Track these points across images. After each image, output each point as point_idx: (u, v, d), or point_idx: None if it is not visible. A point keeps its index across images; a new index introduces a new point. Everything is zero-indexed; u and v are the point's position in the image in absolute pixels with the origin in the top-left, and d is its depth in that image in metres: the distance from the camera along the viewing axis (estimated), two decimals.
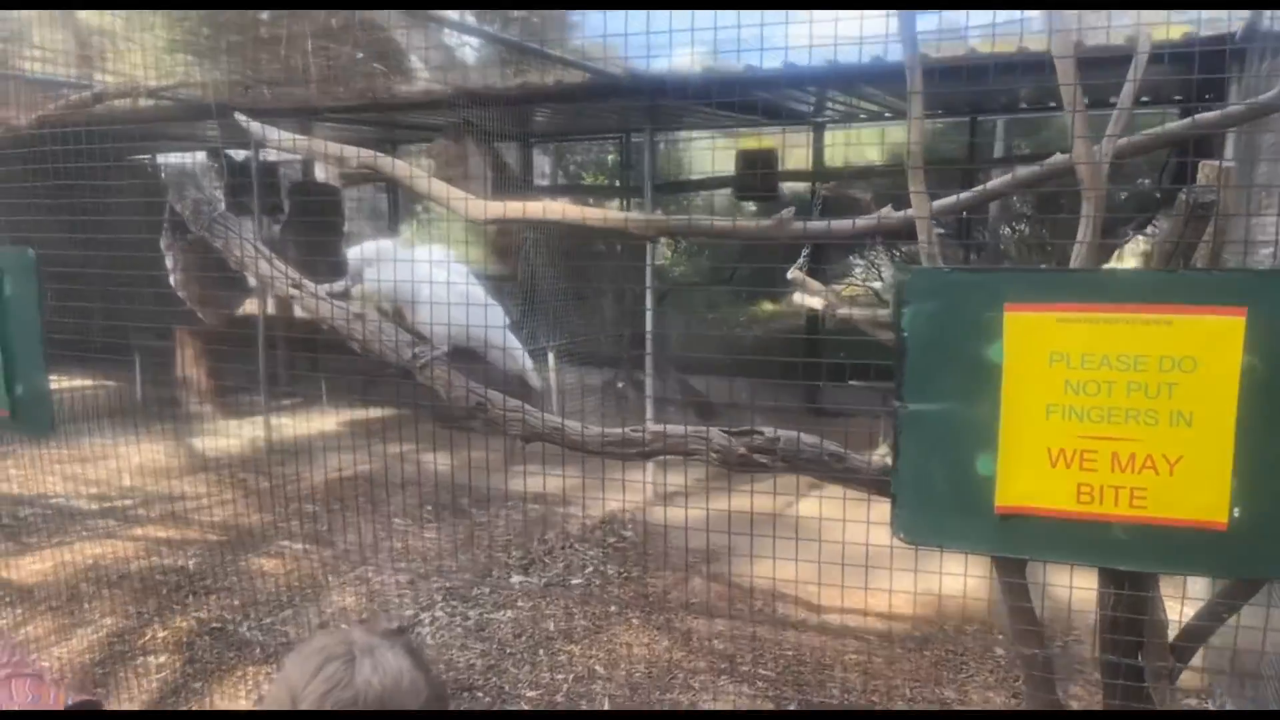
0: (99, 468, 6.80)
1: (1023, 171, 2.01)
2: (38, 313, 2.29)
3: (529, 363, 3.20)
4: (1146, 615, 1.69)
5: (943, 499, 1.50)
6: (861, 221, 2.33)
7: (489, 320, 2.83)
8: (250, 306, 9.01)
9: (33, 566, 5.01)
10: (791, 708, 3.73)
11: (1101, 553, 1.49)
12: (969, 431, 1.46)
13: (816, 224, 2.52)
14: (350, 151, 3.24)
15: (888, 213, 2.38)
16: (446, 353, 2.57)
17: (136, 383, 8.93)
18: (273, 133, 3.48)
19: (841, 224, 2.46)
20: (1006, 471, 1.46)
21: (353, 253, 2.81)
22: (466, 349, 2.89)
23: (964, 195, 2.03)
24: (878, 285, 11.00)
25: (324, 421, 8.76)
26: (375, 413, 8.69)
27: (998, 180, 2.04)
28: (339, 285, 2.77)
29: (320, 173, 11.43)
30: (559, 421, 2.36)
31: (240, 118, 3.46)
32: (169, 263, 7.52)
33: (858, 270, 11.31)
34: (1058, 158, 1.81)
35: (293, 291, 2.96)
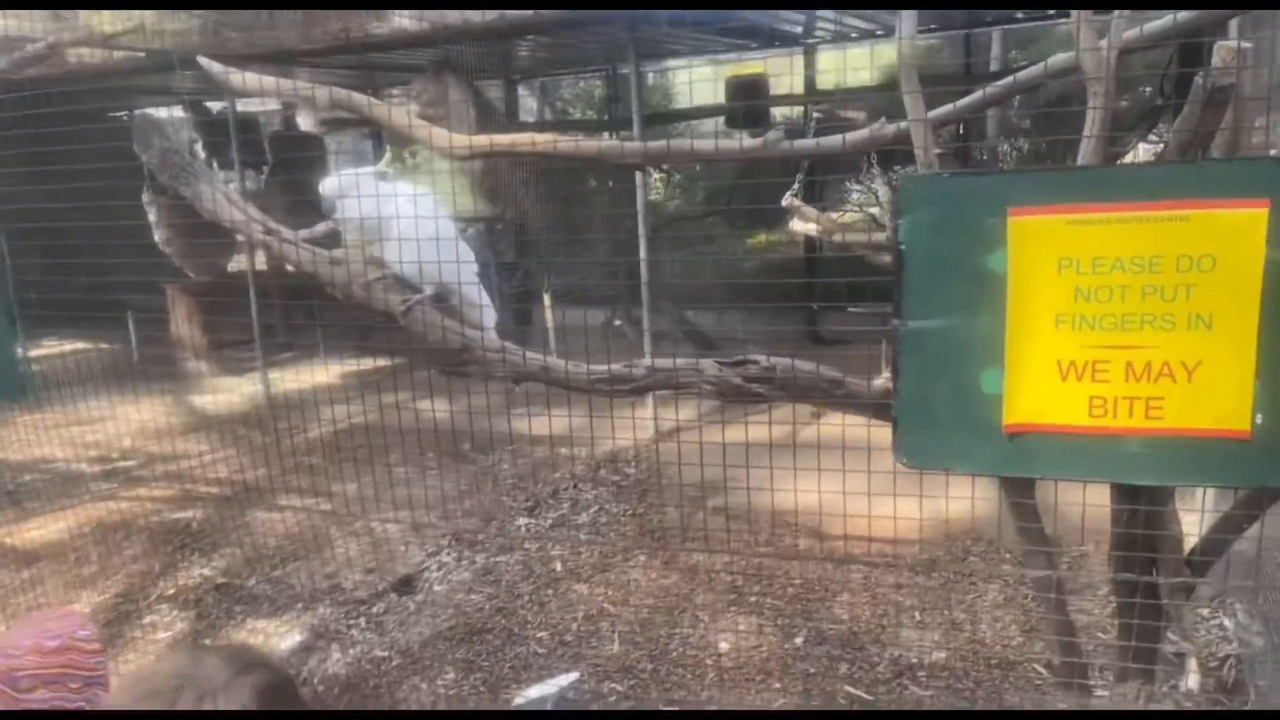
0: (98, 430, 6.76)
1: (1025, 73, 1.88)
2: (6, 280, 2.19)
3: (489, 320, 2.97)
4: (1162, 530, 1.63)
5: (946, 420, 1.42)
6: (853, 136, 2.21)
7: (459, 264, 2.70)
8: (242, 261, 8.89)
9: (36, 532, 5.00)
10: (799, 639, 3.73)
11: (1116, 468, 1.41)
12: (973, 347, 1.38)
13: (804, 142, 2.40)
14: (321, 92, 3.11)
15: (880, 126, 2.26)
16: (430, 295, 2.48)
17: (131, 343, 8.86)
18: (238, 77, 3.34)
19: (831, 140, 2.35)
20: (1014, 388, 1.38)
21: (327, 184, 2.69)
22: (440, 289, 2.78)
23: (962, 101, 1.91)
24: (875, 210, 10.82)
25: (321, 374, 8.69)
26: (373, 363, 8.63)
27: (998, 84, 1.92)
28: (318, 229, 2.66)
29: (301, 122, 11.18)
30: (557, 363, 2.28)
31: (204, 62, 3.32)
32: (151, 218, 7.38)
33: (854, 195, 11.11)
34: (1061, 56, 1.69)
35: (266, 239, 2.86)
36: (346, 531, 4.96)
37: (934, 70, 10.19)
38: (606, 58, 9.75)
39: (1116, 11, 1.58)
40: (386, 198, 2.51)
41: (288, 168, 8.65)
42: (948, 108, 1.91)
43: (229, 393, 7.98)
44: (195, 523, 5.13)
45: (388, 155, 3.39)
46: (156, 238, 7.44)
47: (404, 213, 2.38)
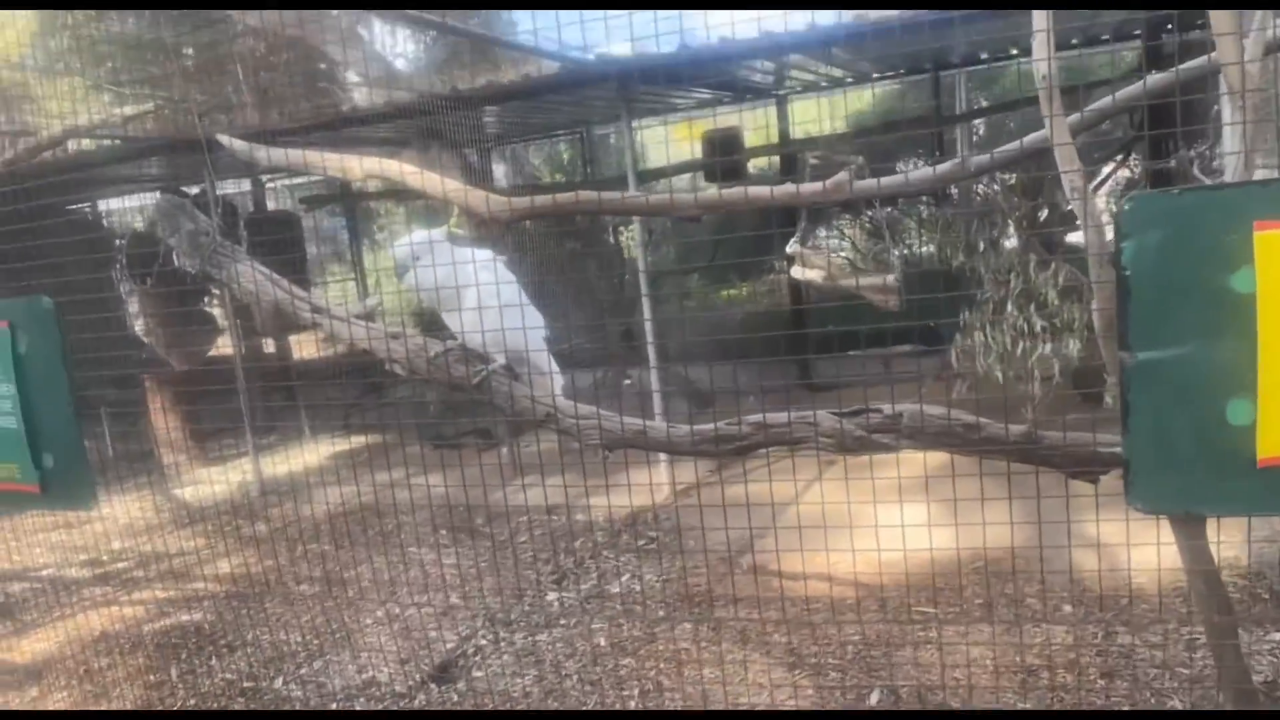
0: (84, 532, 6.44)
1: (1156, 78, 1.84)
2: (63, 368, 2.01)
3: (557, 386, 2.88)
4: None
5: (1188, 458, 1.33)
6: (943, 168, 2.16)
7: (529, 332, 2.58)
8: (220, 347, 8.65)
9: (36, 645, 4.68)
10: (874, 697, 3.57)
11: None
12: (1216, 376, 1.29)
13: (866, 182, 2.33)
14: (353, 161, 3.01)
15: (962, 160, 2.21)
16: (504, 365, 2.35)
17: (106, 438, 8.52)
18: (262, 152, 3.23)
19: (892, 180, 2.30)
20: (1269, 417, 1.29)
21: (400, 247, 2.55)
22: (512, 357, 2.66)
23: (1090, 109, 1.85)
24: (851, 256, 10.90)
25: (311, 455, 8.42)
26: (361, 440, 8.39)
27: (1128, 89, 1.86)
28: (371, 302, 2.52)
29: (272, 201, 11.04)
30: (641, 424, 2.15)
31: (225, 140, 3.21)
32: (132, 309, 7.15)
33: (832, 241, 11.20)
34: (1197, 61, 1.64)
35: (315, 317, 2.71)
36: (371, 620, 4.71)
37: (903, 114, 10.40)
38: (577, 119, 9.81)
39: (1256, 22, 1.54)
40: (460, 265, 2.39)
41: (265, 246, 8.48)
42: (1075, 117, 1.84)
43: (217, 484, 7.67)
44: (206, 623, 4.84)
45: (455, 216, 3.27)
46: (137, 327, 7.20)
47: (473, 279, 2.26)
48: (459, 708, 3.85)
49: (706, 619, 4.39)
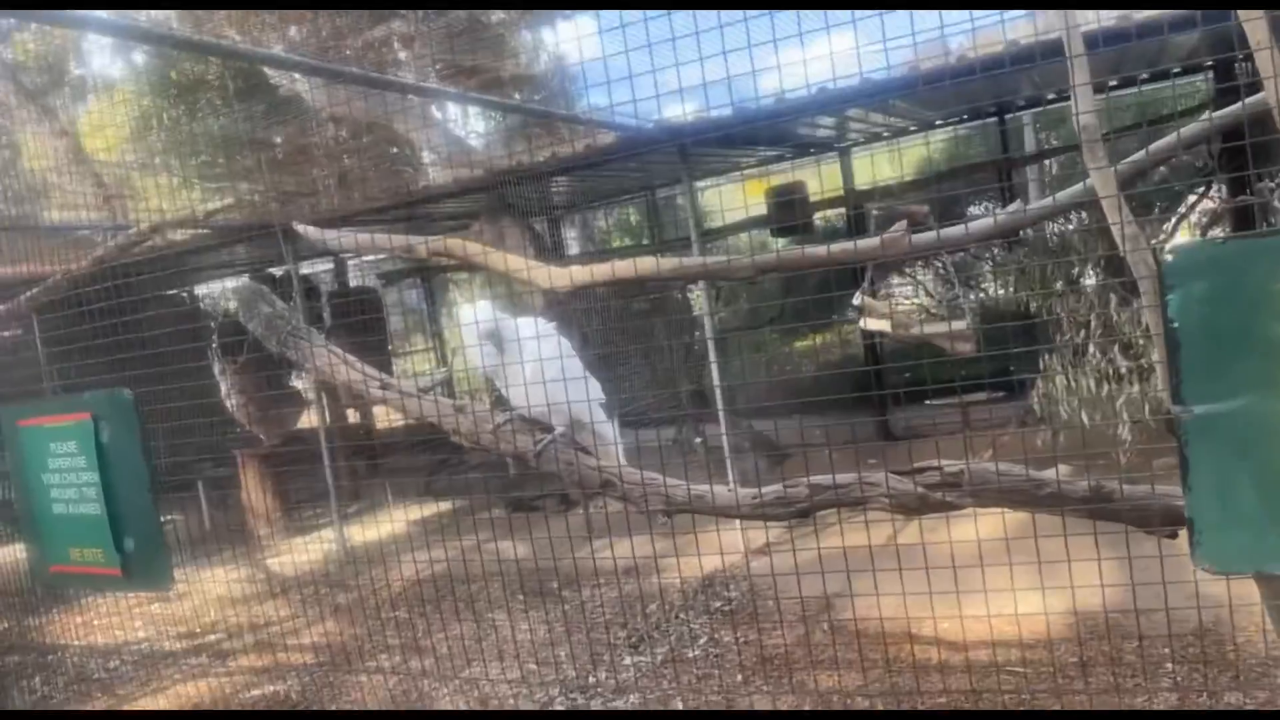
0: (180, 605, 6.67)
1: (1221, 113, 1.79)
2: (142, 457, 2.14)
3: (621, 452, 2.88)
4: None
5: (1255, 514, 1.26)
6: (1003, 218, 2.14)
7: (590, 401, 2.61)
8: (306, 420, 8.97)
9: None
10: None
11: None
12: (1278, 428, 1.23)
13: (948, 231, 2.31)
14: (418, 241, 3.13)
15: (1017, 207, 2.19)
16: (564, 434, 2.38)
17: (203, 513, 8.87)
18: (333, 236, 3.38)
19: (981, 223, 2.27)
20: None
21: (482, 326, 2.56)
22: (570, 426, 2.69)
23: (1145, 151, 1.80)
24: (924, 301, 10.73)
25: (392, 524, 8.60)
26: (443, 506, 8.53)
27: (1191, 126, 1.82)
28: (439, 374, 2.60)
29: (355, 278, 11.49)
30: (704, 488, 2.15)
31: (300, 228, 3.37)
32: (223, 388, 7.49)
33: (903, 290, 11.07)
34: (1261, 96, 1.60)
35: (385, 394, 2.81)
36: (451, 689, 4.73)
37: (969, 160, 10.30)
38: (644, 183, 10.00)
39: None
40: (520, 338, 2.45)
41: (347, 322, 8.81)
42: (1135, 158, 1.81)
43: (305, 553, 7.88)
44: (294, 692, 4.94)
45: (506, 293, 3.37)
46: (228, 406, 7.52)
47: (533, 350, 2.32)
48: None
49: (786, 688, 4.29)
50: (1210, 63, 7.07)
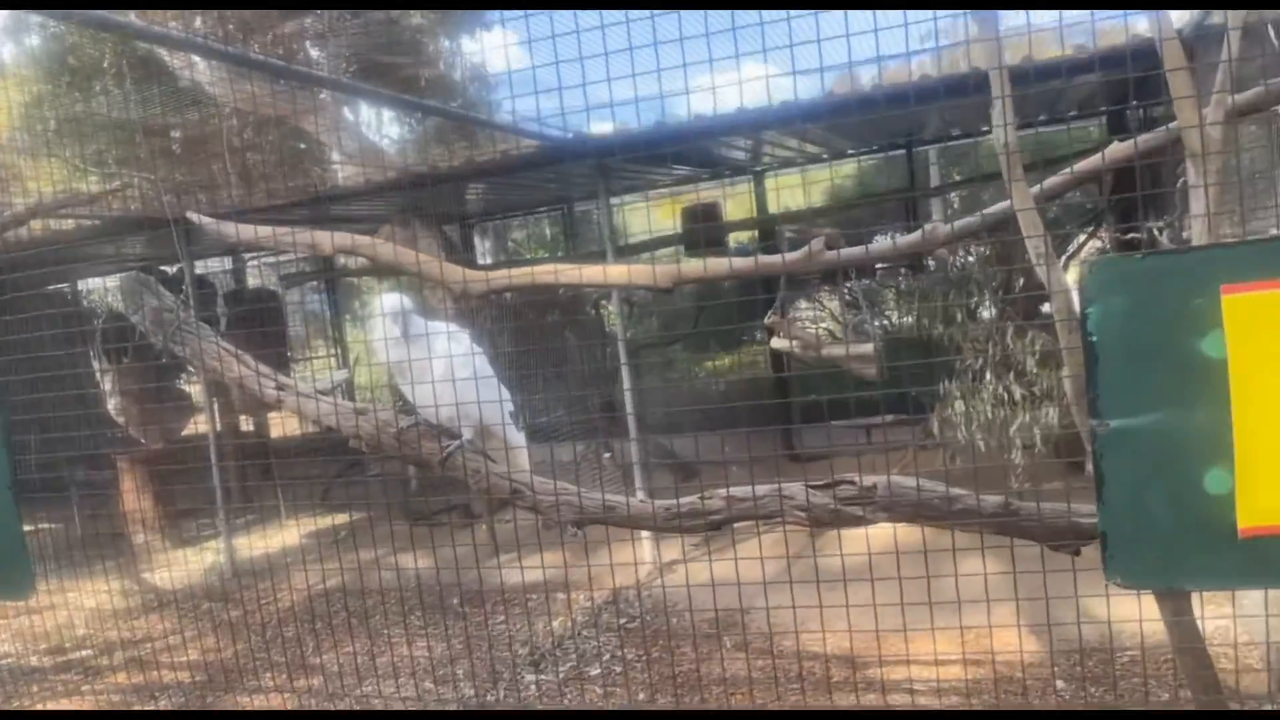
0: (47, 619, 6.21)
1: (1116, 147, 1.85)
2: (3, 450, 1.94)
3: (525, 460, 2.81)
4: None
5: (1165, 530, 1.28)
6: (905, 240, 2.16)
7: (499, 404, 2.53)
8: (194, 425, 8.53)
9: None
10: None
11: None
12: (1191, 444, 1.25)
13: (852, 250, 2.33)
14: (323, 237, 2.99)
15: (934, 224, 2.22)
16: (470, 440, 2.29)
17: (75, 520, 8.31)
18: (230, 229, 3.22)
19: (880, 245, 2.30)
20: (1246, 486, 1.24)
21: (389, 302, 2.49)
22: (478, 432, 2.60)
23: (1051, 180, 1.85)
24: (830, 326, 10.97)
25: (285, 535, 8.24)
26: (338, 519, 8.22)
27: (1088, 161, 1.87)
28: (339, 375, 2.47)
29: (254, 279, 11.05)
30: (619, 499, 2.09)
31: (195, 218, 3.20)
32: (105, 388, 7.06)
33: (811, 313, 11.28)
34: (1161, 131, 1.65)
35: (280, 394, 2.66)
36: (341, 709, 4.52)
37: (878, 189, 10.60)
38: (561, 195, 9.93)
39: (1216, 86, 1.56)
40: (429, 332, 2.36)
41: (244, 323, 8.45)
42: (1057, 178, 1.85)
43: (188, 565, 7.47)
44: (172, 714, 4.64)
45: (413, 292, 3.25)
46: (109, 406, 7.09)
47: (443, 347, 2.22)
48: None
49: (688, 702, 4.24)
50: (1104, 109, 7.45)
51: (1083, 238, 8.29)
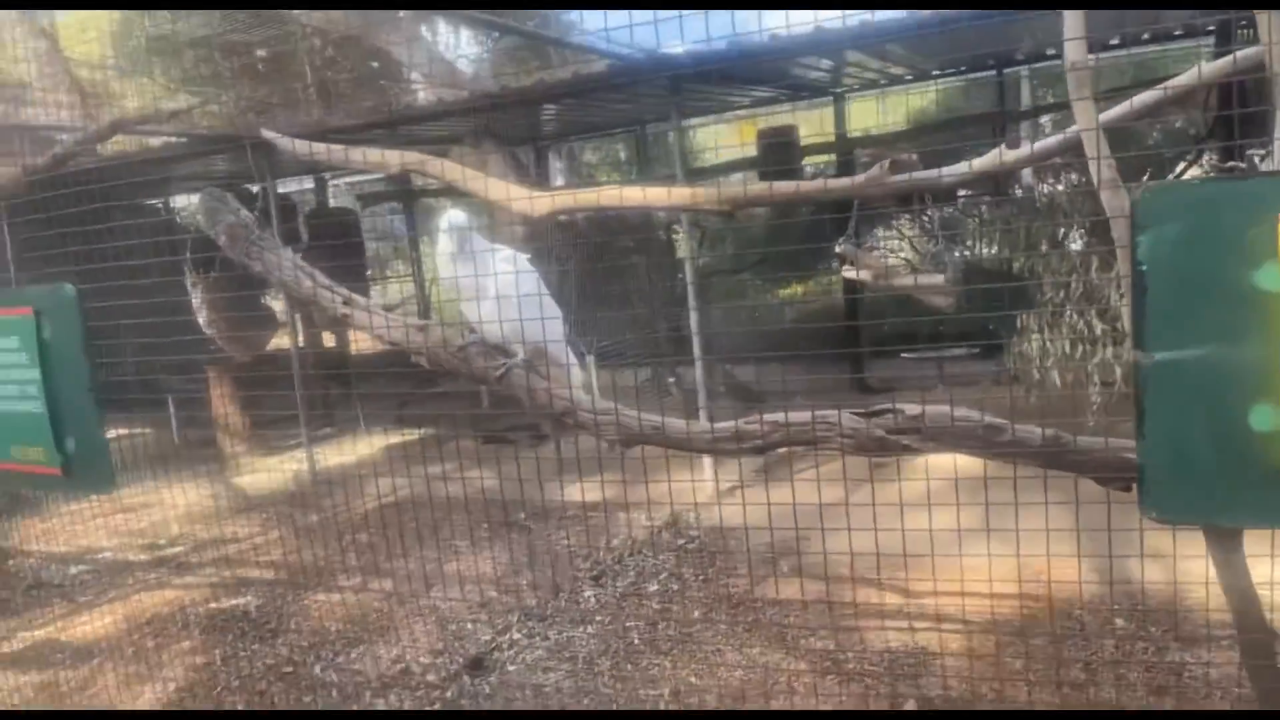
0: (144, 517, 6.64)
1: (1211, 65, 1.73)
2: (84, 356, 2.07)
3: (576, 379, 2.87)
4: None
5: (1206, 466, 1.24)
6: (979, 161, 2.08)
7: (548, 328, 2.55)
8: (280, 340, 8.86)
9: (89, 627, 4.83)
10: (909, 705, 3.48)
11: None
12: (1238, 379, 1.20)
13: (924, 173, 2.25)
14: (393, 155, 3.03)
15: (1013, 147, 2.13)
16: (525, 359, 2.34)
17: (172, 426, 8.79)
18: (305, 147, 3.28)
19: (954, 168, 2.21)
20: None
21: (447, 221, 2.56)
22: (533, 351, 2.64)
23: (1141, 97, 1.74)
24: (909, 256, 10.67)
25: (364, 448, 8.57)
26: (414, 434, 8.50)
27: (1181, 77, 1.75)
28: (409, 295, 2.54)
29: (333, 198, 11.28)
30: (658, 420, 2.12)
31: (270, 135, 3.26)
32: (194, 301, 7.36)
33: (889, 241, 10.99)
34: (1253, 49, 1.54)
35: (344, 310, 2.74)
36: (409, 611, 4.76)
37: (965, 112, 10.16)
38: (634, 118, 9.79)
39: None
40: (481, 253, 2.39)
41: (324, 242, 8.65)
42: (1123, 106, 1.75)
43: (273, 473, 7.86)
44: (253, 609, 4.95)
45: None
46: (200, 319, 7.40)
47: (503, 264, 2.26)
48: (490, 700, 3.87)
49: (742, 621, 4.33)
50: (1211, 27, 6.95)
51: (1182, 165, 7.85)
